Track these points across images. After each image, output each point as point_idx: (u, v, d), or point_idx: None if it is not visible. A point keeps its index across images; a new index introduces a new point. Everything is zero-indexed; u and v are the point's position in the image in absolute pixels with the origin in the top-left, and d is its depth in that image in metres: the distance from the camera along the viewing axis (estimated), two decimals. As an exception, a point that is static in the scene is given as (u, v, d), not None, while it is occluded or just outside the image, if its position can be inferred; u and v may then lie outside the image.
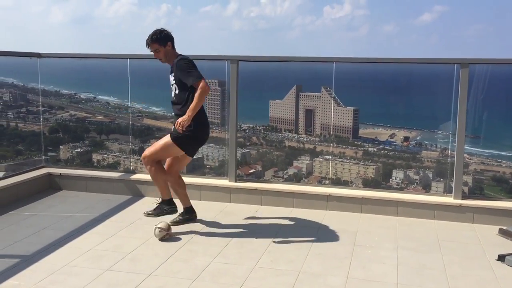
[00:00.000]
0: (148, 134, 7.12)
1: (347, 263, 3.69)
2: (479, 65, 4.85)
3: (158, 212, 4.41)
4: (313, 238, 4.18)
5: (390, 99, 6.98)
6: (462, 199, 4.73)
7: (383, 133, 7.20)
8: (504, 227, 4.36)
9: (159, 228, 4.11)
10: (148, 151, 4.25)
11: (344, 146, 6.81)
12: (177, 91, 4.17)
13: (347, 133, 6.81)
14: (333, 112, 6.76)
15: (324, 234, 4.32)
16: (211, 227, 4.44)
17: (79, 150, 6.99)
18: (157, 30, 4.19)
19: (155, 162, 4.24)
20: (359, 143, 6.91)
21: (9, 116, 6.94)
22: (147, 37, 4.19)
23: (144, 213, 4.50)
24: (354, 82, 6.76)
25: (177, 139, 4.13)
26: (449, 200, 4.75)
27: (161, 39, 4.16)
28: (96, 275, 3.40)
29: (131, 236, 4.19)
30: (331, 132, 6.69)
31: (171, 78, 4.21)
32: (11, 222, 4.52)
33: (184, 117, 4.02)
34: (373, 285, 3.34)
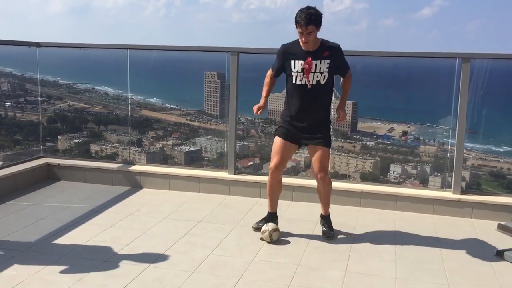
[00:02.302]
0: (146, 126, 7.11)
1: (346, 257, 3.69)
2: (478, 60, 4.83)
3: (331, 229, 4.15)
4: (312, 232, 4.19)
5: (389, 93, 6.98)
6: (461, 194, 4.74)
7: (381, 127, 7.19)
8: (503, 223, 4.36)
9: (270, 231, 3.93)
10: (326, 169, 3.93)
11: (342, 140, 6.81)
12: (325, 79, 3.78)
13: (346, 127, 6.80)
14: (332, 105, 6.74)
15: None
16: (209, 220, 4.43)
17: (77, 140, 6.98)
18: (312, 8, 3.65)
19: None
20: (357, 137, 6.90)
21: (7, 105, 6.91)
22: (300, 14, 3.62)
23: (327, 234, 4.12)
24: (354, 75, 6.80)
25: (329, 143, 3.99)
26: (448, 195, 4.76)
27: (318, 20, 3.65)
28: (95, 266, 3.39)
29: (130, 227, 4.18)
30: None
31: (320, 62, 3.74)
32: (9, 212, 4.51)
33: (343, 112, 3.97)
34: (372, 279, 3.34)
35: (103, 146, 6.88)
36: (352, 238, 4.06)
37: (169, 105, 7.57)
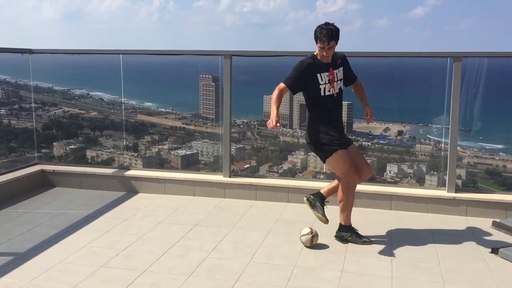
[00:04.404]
0: (142, 130, 7.10)
1: (342, 257, 3.70)
2: (471, 58, 4.86)
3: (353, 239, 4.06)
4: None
5: (384, 93, 6.98)
6: (455, 192, 4.75)
7: (377, 127, 7.20)
8: (498, 220, 4.38)
9: (305, 236, 3.92)
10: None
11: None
12: (342, 85, 4.00)
13: (341, 128, 6.81)
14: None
15: (319, 228, 4.31)
16: (205, 223, 4.44)
17: (72, 146, 6.96)
18: (331, 24, 3.84)
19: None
20: (353, 137, 6.91)
21: (2, 113, 6.90)
22: (321, 31, 3.79)
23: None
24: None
25: None
26: (443, 193, 4.77)
27: (338, 36, 3.85)
28: (91, 272, 3.39)
29: (126, 232, 4.18)
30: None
31: (338, 71, 3.94)
32: (5, 219, 4.50)
33: (371, 111, 4.13)
34: (368, 279, 3.35)
35: (99, 152, 6.87)
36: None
37: (164, 109, 7.57)
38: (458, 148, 4.99)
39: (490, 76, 5.25)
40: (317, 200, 4.09)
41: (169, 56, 5.75)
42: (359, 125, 7.10)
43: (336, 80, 3.94)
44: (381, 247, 3.90)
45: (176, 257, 3.68)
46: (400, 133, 7.08)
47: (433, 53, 5.06)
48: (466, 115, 5.12)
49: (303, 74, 3.91)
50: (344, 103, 6.69)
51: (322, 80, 3.90)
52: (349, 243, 3.96)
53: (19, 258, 3.61)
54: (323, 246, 3.90)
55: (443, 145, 5.24)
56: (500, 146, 6.61)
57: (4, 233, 4.15)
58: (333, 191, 4.12)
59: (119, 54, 5.64)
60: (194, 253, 3.75)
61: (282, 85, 3.94)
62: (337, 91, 3.97)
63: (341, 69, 3.98)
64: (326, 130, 3.97)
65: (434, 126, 6.57)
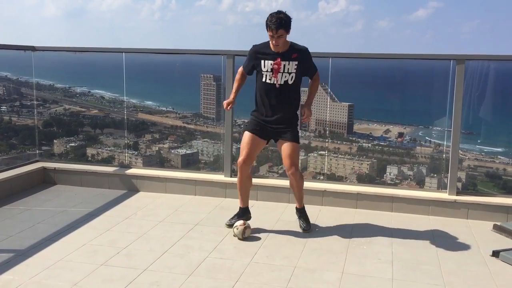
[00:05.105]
0: (143, 129, 7.10)
1: (343, 258, 3.69)
2: (473, 61, 4.86)
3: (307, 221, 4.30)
4: (308, 234, 4.19)
5: (385, 95, 6.99)
6: (456, 195, 4.75)
7: (377, 129, 7.20)
8: (499, 223, 4.38)
9: (243, 228, 4.02)
10: (296, 164, 4.09)
11: (339, 142, 6.81)
12: (293, 79, 3.97)
13: (342, 129, 6.81)
14: (328, 107, 6.75)
15: (320, 229, 4.32)
16: (206, 223, 4.43)
17: (73, 144, 6.96)
18: (282, 13, 3.82)
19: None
20: (353, 138, 6.91)
21: (3, 110, 6.89)
22: (271, 19, 3.80)
23: (304, 228, 4.27)
24: (350, 77, 6.75)
25: (298, 139, 4.13)
26: (444, 196, 4.77)
27: (288, 24, 3.84)
28: (91, 270, 3.39)
29: (126, 231, 4.18)
30: (326, 128, 6.69)
31: (288, 63, 3.93)
32: (5, 216, 4.50)
33: (309, 111, 4.08)
34: (368, 281, 3.35)
35: (99, 150, 6.87)
36: (349, 240, 4.07)
37: (165, 108, 7.57)
38: (459, 151, 4.98)
39: (492, 79, 5.25)
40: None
41: (169, 55, 5.75)
42: (359, 127, 7.10)
43: (282, 71, 3.94)
44: (381, 249, 3.90)
45: (177, 256, 3.68)
46: (400, 135, 7.08)
47: (436, 56, 5.05)
48: (469, 118, 5.12)
49: (251, 57, 4.10)
50: (345, 104, 6.74)
51: (264, 67, 3.99)
52: (349, 245, 3.95)
53: (20, 255, 3.61)
54: (324, 247, 3.90)
55: (444, 147, 5.24)
56: (500, 149, 6.61)
57: (5, 230, 4.14)
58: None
59: (122, 52, 5.63)
60: (195, 252, 3.75)
61: (240, 67, 4.21)
62: (281, 82, 3.96)
63: (294, 63, 3.94)
64: (256, 114, 4.14)
65: (435, 128, 6.57)
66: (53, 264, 3.47)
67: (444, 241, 4.10)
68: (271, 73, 3.97)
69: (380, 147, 6.95)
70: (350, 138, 6.87)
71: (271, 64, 3.95)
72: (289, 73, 3.96)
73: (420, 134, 7.01)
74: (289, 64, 3.94)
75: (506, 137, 6.60)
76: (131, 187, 5.40)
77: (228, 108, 4.24)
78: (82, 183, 5.51)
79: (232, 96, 4.22)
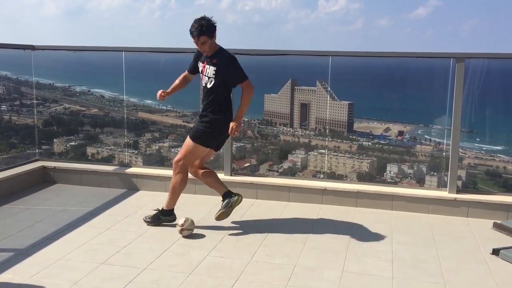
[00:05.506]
0: (143, 128, 7.10)
1: (343, 257, 3.69)
2: (473, 59, 4.85)
3: (155, 221, 4.28)
4: (308, 232, 4.19)
5: (385, 93, 6.99)
6: (456, 193, 4.75)
7: (377, 127, 7.21)
8: (499, 221, 4.38)
9: (179, 226, 4.06)
10: (181, 155, 4.16)
11: (339, 140, 6.82)
12: (212, 84, 4.00)
13: (342, 127, 6.81)
14: (328, 106, 6.76)
15: (320, 228, 4.32)
16: (206, 221, 4.43)
17: (73, 143, 6.96)
18: (204, 19, 3.88)
19: (184, 169, 4.20)
20: (354, 137, 6.91)
21: (3, 109, 6.90)
22: (192, 27, 3.86)
23: (144, 219, 4.34)
24: (350, 76, 6.74)
25: (195, 138, 4.11)
26: (444, 194, 4.77)
27: (210, 31, 3.88)
28: (91, 269, 3.39)
29: (126, 229, 4.18)
30: (326, 126, 6.69)
31: (209, 68, 4.00)
32: (5, 215, 4.49)
33: (236, 124, 3.99)
34: (369, 279, 3.34)
35: (99, 149, 6.87)
36: (349, 238, 4.06)
37: (165, 107, 7.57)
38: (459, 149, 4.98)
39: (492, 77, 5.25)
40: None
41: (170, 54, 5.74)
42: (359, 125, 7.10)
43: (205, 74, 4.06)
44: (382, 247, 3.90)
45: (177, 255, 3.68)
46: (400, 133, 7.08)
47: (436, 54, 5.05)
48: (469, 116, 5.11)
49: (194, 58, 4.24)
50: (345, 102, 6.74)
51: (199, 68, 4.16)
52: (349, 244, 3.95)
53: (20, 254, 3.60)
54: (324, 246, 3.90)
55: (444, 145, 5.24)
56: (500, 148, 6.61)
57: (5, 229, 4.14)
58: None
59: (122, 51, 5.62)
60: (195, 251, 3.75)
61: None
62: (204, 84, 4.08)
63: (213, 68, 3.99)
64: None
65: (434, 126, 6.57)
66: (53, 263, 3.47)
67: (444, 239, 4.10)
68: (201, 74, 4.14)
69: (380, 146, 6.95)
70: (350, 136, 6.87)
71: (201, 66, 4.11)
72: (209, 77, 4.03)
73: (420, 132, 7.03)
74: (209, 68, 4.02)
75: (506, 136, 6.60)
76: (131, 186, 5.40)
77: (161, 98, 4.37)
78: (82, 182, 5.51)
79: (169, 89, 4.40)
